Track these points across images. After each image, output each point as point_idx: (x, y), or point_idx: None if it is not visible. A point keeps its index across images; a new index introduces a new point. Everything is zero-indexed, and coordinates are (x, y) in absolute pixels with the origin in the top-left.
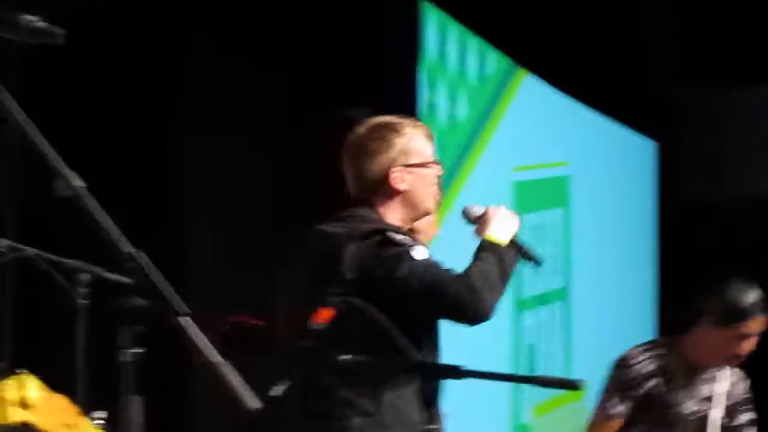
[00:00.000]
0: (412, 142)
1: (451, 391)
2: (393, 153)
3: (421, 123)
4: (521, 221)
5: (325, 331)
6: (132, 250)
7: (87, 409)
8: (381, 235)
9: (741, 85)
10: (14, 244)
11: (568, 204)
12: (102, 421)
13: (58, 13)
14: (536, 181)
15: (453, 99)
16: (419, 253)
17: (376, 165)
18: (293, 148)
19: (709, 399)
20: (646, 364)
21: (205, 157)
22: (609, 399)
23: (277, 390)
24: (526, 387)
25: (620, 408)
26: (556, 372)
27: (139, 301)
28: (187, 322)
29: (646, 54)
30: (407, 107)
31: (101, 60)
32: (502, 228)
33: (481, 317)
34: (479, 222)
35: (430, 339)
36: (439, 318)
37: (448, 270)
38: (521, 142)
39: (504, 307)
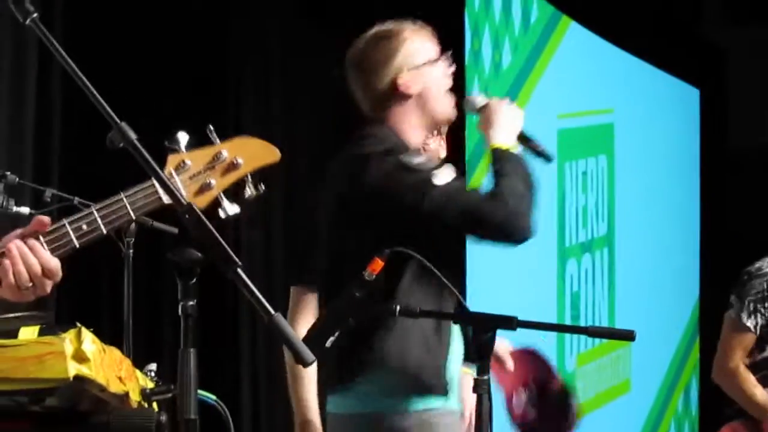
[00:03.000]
0: (415, 43)
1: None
2: (398, 59)
3: (422, 25)
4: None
5: (378, 280)
6: (187, 202)
7: (135, 360)
8: (395, 158)
9: None
10: (59, 192)
11: (612, 151)
12: (153, 373)
13: None
14: (581, 128)
15: (497, 47)
16: (442, 177)
17: (384, 75)
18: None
19: None
20: None
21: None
22: (743, 310)
23: (331, 341)
24: (570, 335)
25: (757, 320)
26: (600, 319)
27: (193, 253)
28: (242, 273)
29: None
30: (453, 54)
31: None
32: (508, 128)
33: (526, 236)
34: (482, 116)
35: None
36: (481, 241)
37: (476, 191)
38: (566, 89)
39: (548, 255)
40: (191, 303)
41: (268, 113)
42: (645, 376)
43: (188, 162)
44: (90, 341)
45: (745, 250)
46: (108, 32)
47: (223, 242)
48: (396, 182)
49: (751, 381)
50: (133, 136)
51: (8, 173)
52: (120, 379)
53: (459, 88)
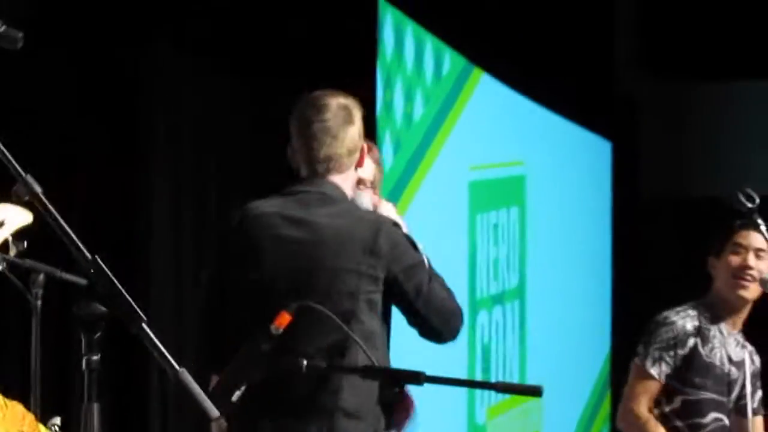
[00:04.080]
0: (360, 117)
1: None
2: (359, 128)
3: None
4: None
5: (285, 334)
6: (92, 256)
7: (41, 412)
8: (400, 230)
9: (698, 82)
10: None
11: (524, 203)
12: (58, 428)
13: (17, 15)
14: (492, 180)
15: (409, 98)
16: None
17: (356, 135)
18: (253, 146)
19: (740, 364)
20: (684, 324)
21: (169, 157)
22: (647, 358)
23: (237, 395)
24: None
25: (661, 368)
26: (511, 370)
27: (98, 308)
28: (147, 329)
29: (602, 52)
30: (364, 106)
31: (61, 61)
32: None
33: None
34: None
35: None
36: (425, 332)
37: (443, 285)
38: (478, 141)
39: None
40: (95, 357)
41: (179, 172)
42: (556, 428)
43: None
44: None
45: (657, 301)
46: (17, 80)
47: (128, 297)
48: (407, 256)
49: (654, 426)
50: (38, 189)
51: None
52: None
53: (370, 139)
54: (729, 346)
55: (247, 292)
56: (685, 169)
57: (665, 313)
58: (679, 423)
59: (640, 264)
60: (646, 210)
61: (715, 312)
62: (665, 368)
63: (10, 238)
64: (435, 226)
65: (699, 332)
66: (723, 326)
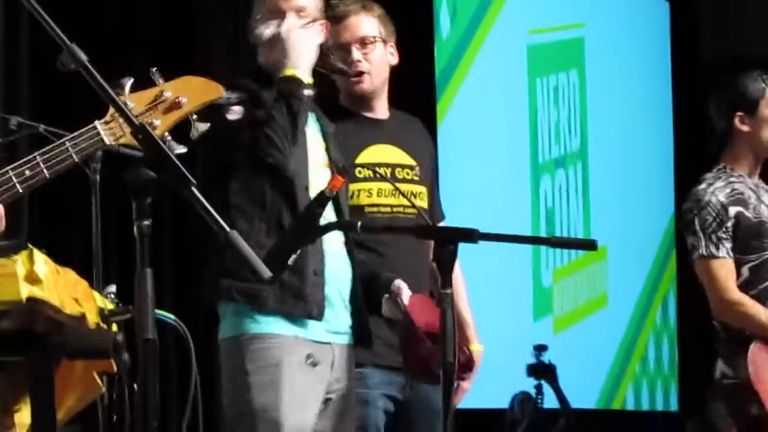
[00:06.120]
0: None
1: (474, 255)
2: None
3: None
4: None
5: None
6: (139, 123)
7: (102, 282)
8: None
9: None
10: (24, 120)
11: (583, 66)
12: (113, 295)
13: None
14: (550, 44)
15: None
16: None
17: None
18: None
19: None
20: (718, 198)
21: None
22: (708, 246)
23: (293, 258)
24: (546, 251)
25: (724, 245)
26: (576, 233)
27: (147, 173)
28: (197, 192)
29: None
30: None
31: None
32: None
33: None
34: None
35: None
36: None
37: None
38: (535, 5)
39: (522, 171)
40: (146, 222)
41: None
42: (622, 290)
43: (130, 103)
44: (42, 262)
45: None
46: None
47: (176, 161)
48: None
49: (757, 305)
50: (83, 57)
51: None
52: (76, 300)
53: (427, 5)
54: (764, 197)
55: None
56: (746, 27)
57: (696, 194)
58: (752, 292)
59: (700, 123)
60: (706, 70)
61: (739, 171)
62: (727, 243)
63: (194, 117)
64: (494, 91)
65: (734, 198)
66: (749, 182)
